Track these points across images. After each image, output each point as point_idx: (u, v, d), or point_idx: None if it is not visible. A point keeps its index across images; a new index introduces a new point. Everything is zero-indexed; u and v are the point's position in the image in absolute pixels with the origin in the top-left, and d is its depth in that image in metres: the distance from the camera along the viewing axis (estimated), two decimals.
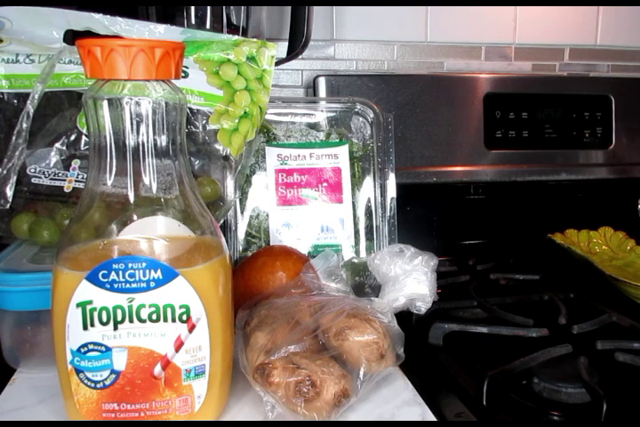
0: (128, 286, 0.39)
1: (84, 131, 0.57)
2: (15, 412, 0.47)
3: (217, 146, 0.60)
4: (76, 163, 0.58)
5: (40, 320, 0.51)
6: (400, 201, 0.71)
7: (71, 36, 0.55)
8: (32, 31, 0.55)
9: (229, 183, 0.61)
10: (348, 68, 0.91)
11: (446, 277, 0.75)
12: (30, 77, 0.57)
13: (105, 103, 0.39)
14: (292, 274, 0.57)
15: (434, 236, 0.89)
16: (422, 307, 0.56)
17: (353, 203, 0.71)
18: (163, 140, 0.40)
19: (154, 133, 0.40)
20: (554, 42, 0.97)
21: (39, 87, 0.54)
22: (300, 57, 0.76)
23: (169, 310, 0.40)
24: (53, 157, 0.58)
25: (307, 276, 0.56)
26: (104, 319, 0.39)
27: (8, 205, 0.55)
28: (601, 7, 0.97)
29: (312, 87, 0.83)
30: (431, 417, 0.46)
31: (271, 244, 0.69)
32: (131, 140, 0.39)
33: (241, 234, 0.69)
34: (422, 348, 0.58)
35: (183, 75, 0.58)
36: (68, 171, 0.58)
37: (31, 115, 0.54)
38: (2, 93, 0.57)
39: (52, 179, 0.57)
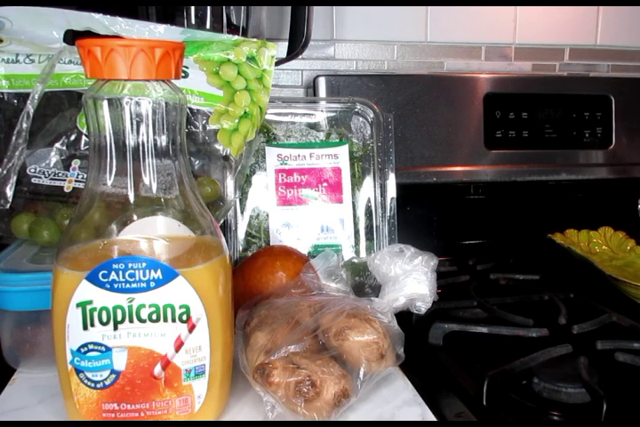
0: (128, 286, 0.39)
1: (84, 131, 0.57)
2: (15, 412, 0.47)
3: (217, 146, 0.60)
4: (75, 163, 0.58)
5: (40, 320, 0.51)
6: (400, 201, 0.71)
7: (71, 36, 0.55)
8: (32, 31, 0.55)
9: (229, 183, 0.61)
10: (348, 68, 0.91)
11: (446, 277, 0.75)
12: (30, 77, 0.57)
13: (105, 103, 0.39)
14: (291, 274, 0.57)
15: (434, 236, 0.89)
16: (422, 307, 0.56)
17: (353, 203, 0.71)
18: (163, 140, 0.40)
19: (154, 133, 0.40)
20: (554, 42, 0.97)
21: (39, 87, 0.54)
22: (300, 57, 0.76)
23: (169, 310, 0.40)
24: (53, 157, 0.58)
25: (307, 276, 0.56)
26: (104, 319, 0.39)
27: (8, 205, 0.55)
28: (601, 7, 0.97)
29: (312, 87, 0.83)
30: (431, 417, 0.46)
31: (271, 244, 0.69)
32: (131, 141, 0.39)
33: (241, 234, 0.69)
34: (422, 348, 0.58)
35: (183, 75, 0.58)
36: (68, 171, 0.58)
37: (31, 115, 0.54)
38: (2, 93, 0.57)
39: (52, 179, 0.57)
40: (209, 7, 0.65)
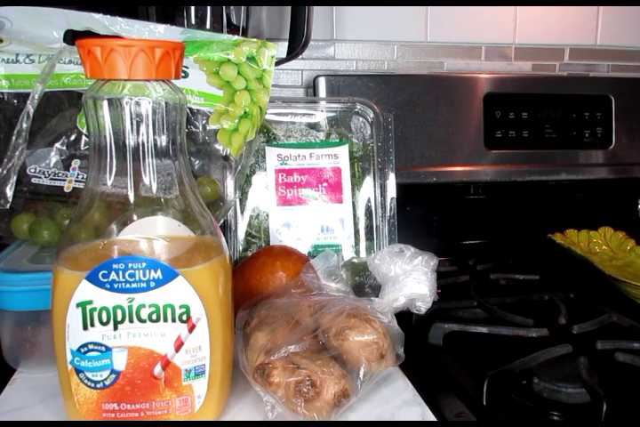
0: (128, 286, 0.39)
1: (84, 131, 0.57)
2: (15, 412, 0.47)
3: (217, 146, 0.60)
4: (75, 163, 0.58)
5: (40, 320, 0.51)
6: (400, 201, 0.71)
7: (71, 36, 0.55)
8: (32, 31, 0.55)
9: (229, 183, 0.61)
10: (348, 68, 0.91)
11: (446, 277, 0.75)
12: (30, 77, 0.57)
13: (105, 103, 0.39)
14: (291, 274, 0.57)
15: (434, 236, 0.89)
16: (422, 307, 0.56)
17: (353, 203, 0.71)
18: (163, 140, 0.40)
19: (154, 133, 0.40)
20: (554, 42, 0.97)
21: (39, 87, 0.54)
22: (300, 57, 0.76)
23: (169, 310, 0.40)
24: (53, 157, 0.58)
25: (307, 276, 0.56)
26: (104, 319, 0.39)
27: (8, 205, 0.55)
28: (601, 7, 0.97)
29: (312, 87, 0.83)
30: (431, 417, 0.46)
31: (271, 244, 0.69)
32: (131, 140, 0.39)
33: (241, 234, 0.69)
34: (422, 348, 0.58)
35: (183, 75, 0.58)
36: (68, 171, 0.58)
37: (31, 115, 0.54)
38: (2, 93, 0.57)
39: (52, 179, 0.57)
40: (209, 7, 0.65)
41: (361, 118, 0.72)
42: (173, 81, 0.41)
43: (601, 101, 0.91)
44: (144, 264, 0.39)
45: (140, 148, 0.40)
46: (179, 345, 0.41)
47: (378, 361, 0.46)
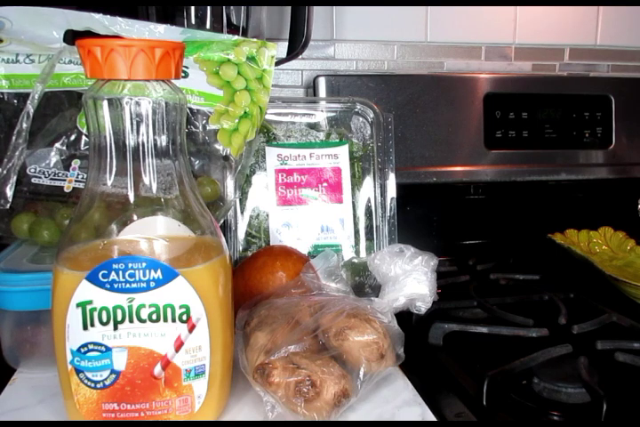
0: (128, 286, 0.39)
1: (84, 131, 0.57)
2: (15, 412, 0.47)
3: (217, 146, 0.60)
4: (75, 163, 0.58)
5: (40, 320, 0.51)
6: (400, 201, 0.71)
7: (71, 36, 0.55)
8: (32, 31, 0.55)
9: (229, 183, 0.61)
10: (348, 68, 0.91)
11: (446, 277, 0.74)
12: (30, 77, 0.57)
13: (105, 103, 0.39)
14: (291, 274, 0.57)
15: (434, 236, 0.89)
16: (422, 307, 0.56)
17: (353, 203, 0.71)
18: (163, 140, 0.40)
19: (154, 133, 0.40)
20: (554, 42, 0.97)
21: (39, 87, 0.54)
22: (300, 57, 0.76)
23: (169, 310, 0.40)
24: (53, 157, 0.58)
25: (307, 276, 0.56)
26: (104, 319, 0.39)
27: (8, 205, 0.55)
28: (601, 7, 0.97)
29: (312, 87, 0.83)
30: (431, 417, 0.46)
31: (271, 244, 0.69)
32: (131, 140, 0.39)
33: (241, 234, 0.69)
34: (422, 348, 0.58)
35: (183, 75, 0.58)
36: (68, 171, 0.58)
37: (31, 115, 0.54)
38: (2, 93, 0.57)
39: (52, 179, 0.57)
40: (209, 7, 0.65)
41: (361, 118, 0.72)
42: (173, 81, 0.41)
43: (601, 101, 0.91)
44: (144, 264, 0.39)
45: (140, 148, 0.40)
46: (179, 345, 0.41)
47: (378, 361, 0.46)
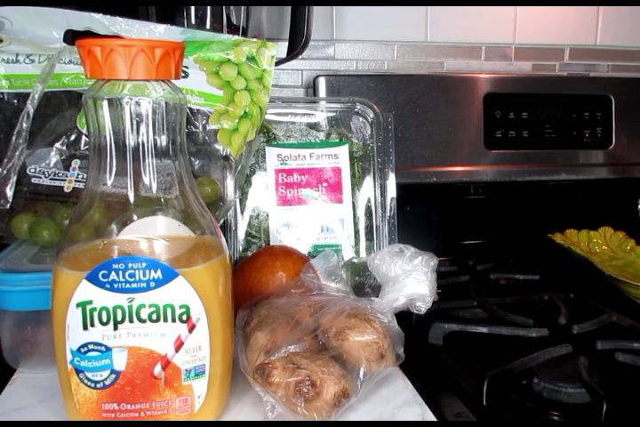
0: (128, 286, 0.39)
1: (84, 131, 0.57)
2: (15, 412, 0.47)
3: (217, 146, 0.60)
4: (75, 163, 0.58)
5: (40, 320, 0.51)
6: (400, 201, 0.71)
7: (71, 36, 0.55)
8: (32, 31, 0.55)
9: (229, 183, 0.61)
10: (348, 68, 0.91)
11: (446, 277, 0.74)
12: (30, 77, 0.57)
13: (105, 103, 0.39)
14: (291, 274, 0.57)
15: (434, 236, 0.89)
16: (422, 307, 0.56)
17: (353, 203, 0.71)
18: (163, 140, 0.40)
19: (154, 133, 0.40)
20: (554, 42, 0.97)
21: (39, 87, 0.54)
22: (300, 57, 0.76)
23: (169, 310, 0.40)
24: (53, 157, 0.58)
25: (307, 276, 0.56)
26: (104, 319, 0.39)
27: (8, 205, 0.55)
28: (601, 7, 0.97)
29: (312, 87, 0.83)
30: (431, 417, 0.46)
31: (271, 244, 0.69)
32: (131, 141, 0.39)
33: (241, 234, 0.69)
34: (422, 348, 0.58)
35: (183, 75, 0.58)
36: (68, 171, 0.58)
37: (31, 115, 0.54)
38: (2, 93, 0.57)
39: (52, 179, 0.57)
40: (209, 7, 0.65)
41: (361, 118, 0.72)
42: (173, 81, 0.41)
43: (601, 101, 0.91)
44: (144, 264, 0.39)
45: (140, 148, 0.40)
46: (179, 345, 0.41)
47: (378, 361, 0.46)
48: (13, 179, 0.54)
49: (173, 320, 0.40)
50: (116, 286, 0.39)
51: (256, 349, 0.47)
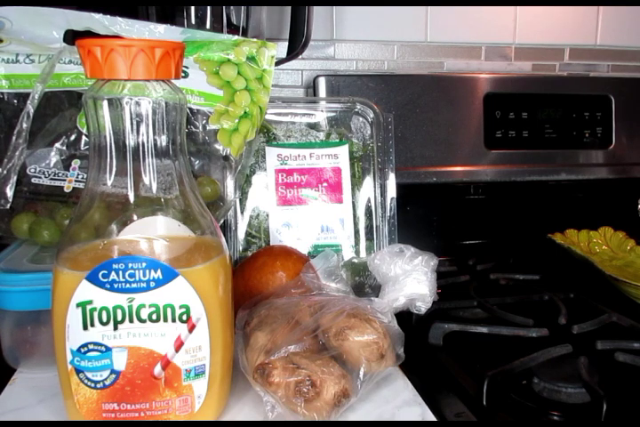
0: (128, 286, 0.39)
1: (84, 131, 0.57)
2: (15, 412, 0.47)
3: (217, 146, 0.60)
4: (75, 163, 0.58)
5: (40, 320, 0.51)
6: (400, 201, 0.71)
7: (71, 36, 0.55)
8: (32, 31, 0.55)
9: (229, 183, 0.61)
10: (348, 68, 0.91)
11: (446, 277, 0.75)
12: (30, 77, 0.57)
13: (105, 103, 0.39)
14: (291, 274, 0.57)
15: (434, 236, 0.89)
16: (422, 307, 0.56)
17: (353, 203, 0.71)
18: (163, 140, 0.40)
19: (154, 133, 0.40)
20: (554, 42, 0.97)
21: (39, 87, 0.54)
22: (300, 57, 0.76)
23: (169, 310, 0.40)
24: (53, 157, 0.58)
25: (307, 276, 0.56)
26: (104, 319, 0.39)
27: (8, 205, 0.55)
28: (601, 7, 0.97)
29: (312, 87, 0.83)
30: (431, 417, 0.46)
31: (271, 244, 0.69)
32: (131, 141, 0.39)
33: (241, 234, 0.69)
34: (422, 348, 0.58)
35: (183, 75, 0.58)
36: (68, 171, 0.58)
37: (31, 115, 0.54)
38: (2, 93, 0.57)
39: (52, 179, 0.57)
40: (209, 7, 0.65)
41: (361, 118, 0.72)
42: (173, 81, 0.41)
43: (601, 101, 0.91)
44: (144, 264, 0.39)
45: (140, 148, 0.40)
46: (179, 345, 0.41)
47: (378, 361, 0.46)
48: (13, 179, 0.54)
49: (173, 320, 0.40)
50: (116, 285, 0.39)
51: (256, 349, 0.47)
